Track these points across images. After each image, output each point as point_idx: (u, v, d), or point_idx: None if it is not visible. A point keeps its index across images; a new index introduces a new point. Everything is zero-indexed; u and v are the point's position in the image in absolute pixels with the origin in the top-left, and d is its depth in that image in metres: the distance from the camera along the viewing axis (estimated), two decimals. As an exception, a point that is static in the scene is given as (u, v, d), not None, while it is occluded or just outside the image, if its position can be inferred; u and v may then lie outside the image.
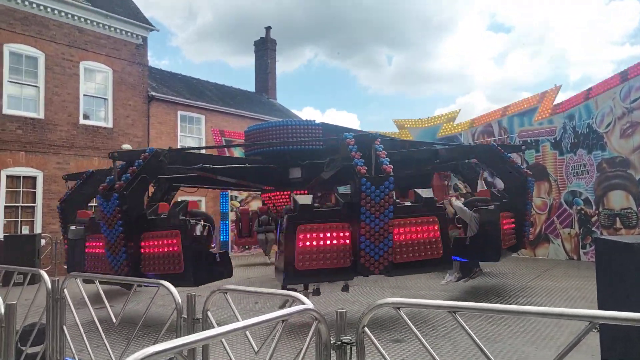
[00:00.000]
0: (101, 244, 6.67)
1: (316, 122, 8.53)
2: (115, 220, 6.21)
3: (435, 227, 6.16)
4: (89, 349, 3.87)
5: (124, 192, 6.29)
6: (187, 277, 6.22)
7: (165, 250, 6.38)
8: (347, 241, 5.83)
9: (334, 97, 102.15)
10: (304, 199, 6.08)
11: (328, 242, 5.79)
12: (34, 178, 13.99)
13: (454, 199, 8.45)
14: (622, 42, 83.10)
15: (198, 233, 7.18)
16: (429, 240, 6.12)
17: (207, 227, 6.81)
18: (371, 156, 5.88)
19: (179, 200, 7.55)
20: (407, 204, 6.37)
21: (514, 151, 9.58)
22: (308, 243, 5.76)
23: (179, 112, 18.36)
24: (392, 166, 5.85)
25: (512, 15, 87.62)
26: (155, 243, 6.48)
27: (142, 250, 6.54)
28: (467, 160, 9.62)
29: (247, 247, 16.86)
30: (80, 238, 7.88)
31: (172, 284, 3.37)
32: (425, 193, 6.34)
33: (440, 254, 6.16)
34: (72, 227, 8.30)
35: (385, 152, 6.07)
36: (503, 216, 7.56)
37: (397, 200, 6.20)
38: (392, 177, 5.72)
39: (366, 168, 5.78)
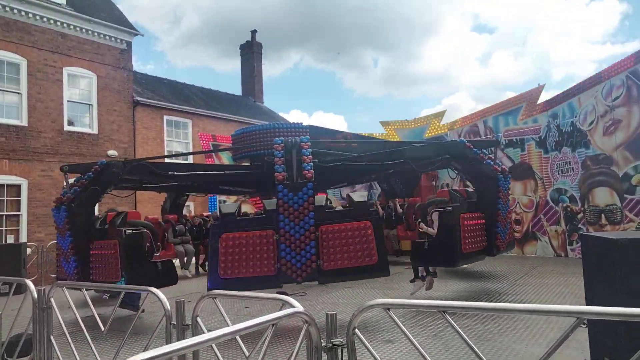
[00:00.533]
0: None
1: (303, 124, 8.52)
2: (65, 230, 6.66)
3: (369, 232, 5.91)
4: (78, 359, 3.81)
5: (72, 204, 6.74)
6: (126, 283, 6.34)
7: (106, 258, 6.74)
8: (271, 249, 5.75)
9: (321, 100, 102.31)
10: (228, 207, 6.14)
11: (251, 249, 5.75)
12: (18, 186, 13.78)
13: (422, 226, 7.70)
14: (603, 42, 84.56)
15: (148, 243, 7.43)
16: (362, 246, 5.88)
17: (147, 237, 7.17)
18: (292, 161, 5.83)
19: (120, 211, 7.90)
20: (339, 208, 6.34)
21: (491, 146, 9.12)
22: (231, 250, 5.75)
23: (165, 117, 18.23)
24: (312, 172, 5.76)
25: (495, 16, 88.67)
26: (99, 252, 6.87)
27: (91, 259, 6.93)
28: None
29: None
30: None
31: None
32: (358, 196, 6.16)
33: (375, 260, 5.92)
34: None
35: (311, 157, 5.99)
36: (465, 217, 7.05)
37: (328, 205, 6.18)
38: (311, 182, 5.64)
39: (284, 174, 5.73)
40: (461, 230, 6.82)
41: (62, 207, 6.67)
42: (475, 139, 14.30)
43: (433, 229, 7.24)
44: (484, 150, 7.99)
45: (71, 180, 7.20)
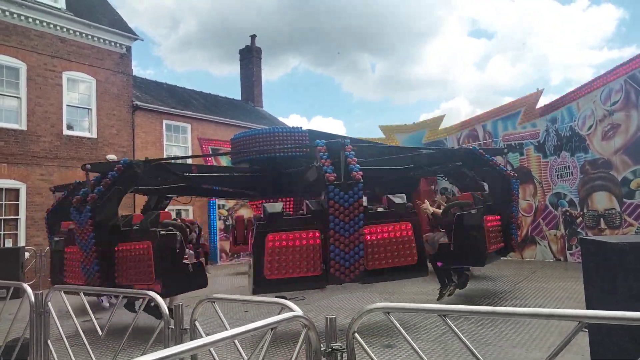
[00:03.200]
0: (77, 255, 6.65)
1: (303, 129, 8.53)
2: (88, 232, 6.24)
3: (409, 233, 6.01)
4: (75, 363, 3.78)
5: (97, 204, 6.33)
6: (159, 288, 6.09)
7: (137, 261, 6.35)
8: (318, 249, 5.73)
9: (319, 104, 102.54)
10: (274, 207, 6.01)
11: (298, 250, 5.70)
12: (17, 190, 13.74)
13: (425, 204, 8.18)
14: (600, 47, 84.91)
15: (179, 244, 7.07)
16: (403, 246, 5.97)
17: (179, 238, 6.75)
18: (340, 162, 5.80)
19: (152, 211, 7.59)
20: (380, 209, 6.28)
21: (497, 154, 9.54)
22: (277, 251, 5.68)
23: (165, 122, 18.23)
24: (361, 173, 5.75)
25: (493, 21, 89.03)
26: (127, 254, 6.46)
27: (116, 262, 6.52)
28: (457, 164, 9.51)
29: (236, 255, 16.73)
30: (60, 249, 7.75)
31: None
32: (398, 199, 6.24)
33: (415, 260, 6.00)
34: (56, 239, 8.20)
35: (356, 159, 5.98)
36: (487, 219, 7.38)
37: (368, 207, 6.16)
38: (361, 183, 5.64)
39: (335, 175, 5.71)
40: (486, 233, 7.17)
41: (87, 207, 6.26)
42: (475, 143, 14.31)
43: (453, 230, 7.41)
44: (492, 157, 8.34)
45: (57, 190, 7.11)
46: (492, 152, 9.17)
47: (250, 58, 26.55)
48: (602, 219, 11.37)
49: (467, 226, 7.24)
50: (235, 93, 47.07)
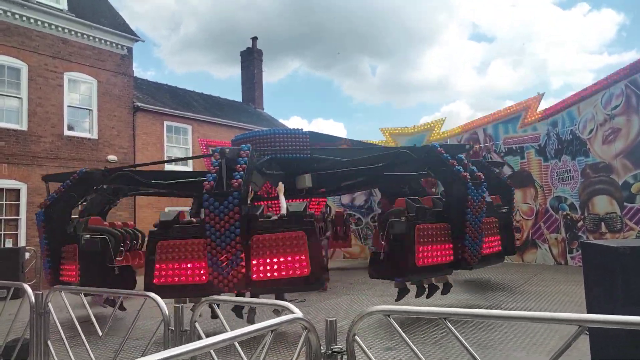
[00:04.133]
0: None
1: (304, 130, 8.54)
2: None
3: (302, 242, 5.69)
4: (74, 364, 3.78)
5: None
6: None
7: (71, 261, 7.28)
8: (203, 257, 5.75)
9: (320, 107, 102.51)
10: (169, 214, 6.11)
11: (185, 259, 5.82)
12: (18, 190, 13.75)
13: None
14: (600, 52, 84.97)
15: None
16: (293, 257, 5.69)
17: (106, 241, 7.10)
18: (221, 170, 5.78)
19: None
20: (274, 218, 6.05)
21: (459, 151, 8.11)
22: (165, 258, 5.82)
23: (166, 123, 18.24)
24: (240, 180, 5.66)
25: (493, 25, 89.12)
26: (65, 255, 7.46)
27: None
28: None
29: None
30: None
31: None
32: (294, 207, 5.94)
33: (307, 272, 5.68)
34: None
35: (244, 166, 5.92)
36: (422, 228, 6.55)
37: (267, 215, 6.14)
38: (236, 192, 5.56)
39: (213, 183, 5.69)
40: (415, 242, 6.39)
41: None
42: (477, 146, 14.31)
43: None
44: (461, 156, 7.44)
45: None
46: (456, 150, 8.25)
47: (251, 60, 26.58)
48: (603, 223, 11.36)
49: (394, 236, 6.62)
50: (235, 95, 47.20)
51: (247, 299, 3.99)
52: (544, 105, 13.56)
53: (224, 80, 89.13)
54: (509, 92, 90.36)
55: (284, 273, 5.69)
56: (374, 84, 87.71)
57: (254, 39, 26.93)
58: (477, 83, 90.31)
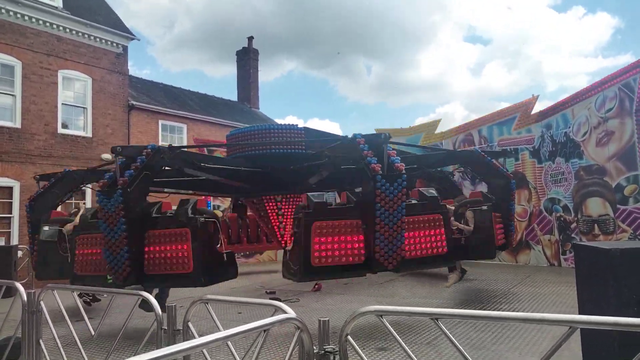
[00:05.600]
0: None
1: (299, 126, 8.54)
2: (117, 217, 5.87)
3: (440, 224, 6.43)
4: (66, 363, 3.76)
5: (128, 189, 5.96)
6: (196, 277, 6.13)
7: (172, 250, 6.17)
8: (361, 237, 5.93)
9: (315, 107, 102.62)
10: (318, 196, 6.13)
11: (342, 239, 5.91)
12: (10, 188, 13.67)
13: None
14: (595, 55, 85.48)
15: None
16: (436, 237, 6.38)
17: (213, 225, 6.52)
18: (383, 155, 5.95)
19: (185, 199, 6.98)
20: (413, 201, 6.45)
21: (495, 157, 9.76)
22: (323, 239, 5.87)
23: (160, 121, 18.19)
24: (404, 164, 5.97)
25: (489, 27, 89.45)
26: (161, 243, 6.23)
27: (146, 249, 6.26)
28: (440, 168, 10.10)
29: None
30: (52, 240, 8.02)
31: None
32: (429, 192, 6.63)
33: (445, 251, 6.45)
34: (46, 228, 8.09)
35: (396, 152, 6.33)
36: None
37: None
38: (404, 174, 5.83)
39: (380, 166, 5.84)
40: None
41: (118, 191, 5.81)
42: (470, 148, 14.35)
43: (469, 226, 8.06)
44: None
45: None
46: (491, 155, 9.46)
47: (247, 59, 26.56)
48: (596, 225, 11.43)
49: (478, 222, 7.90)
50: (229, 94, 47.02)
51: (239, 298, 3.98)
52: (538, 107, 13.63)
53: (218, 79, 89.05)
54: (503, 94, 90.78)
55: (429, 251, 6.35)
56: (369, 84, 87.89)
57: (250, 38, 26.90)
58: (472, 84, 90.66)
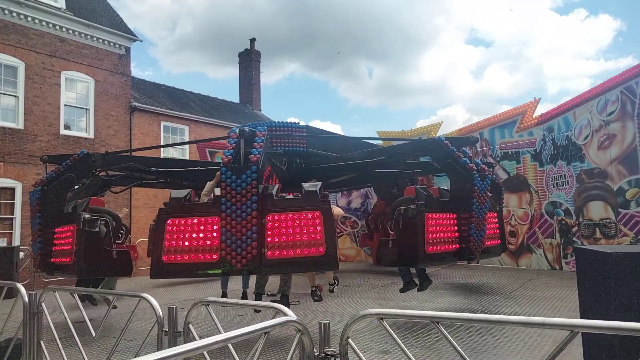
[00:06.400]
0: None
1: (300, 124, 8.57)
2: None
3: (317, 222, 5.46)
4: (67, 365, 3.77)
5: (45, 187, 6.86)
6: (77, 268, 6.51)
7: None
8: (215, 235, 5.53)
9: (317, 109, 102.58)
10: (181, 192, 5.91)
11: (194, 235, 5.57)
12: (13, 189, 13.70)
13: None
14: (597, 58, 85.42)
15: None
16: (309, 236, 5.46)
17: (107, 223, 6.80)
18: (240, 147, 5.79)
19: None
20: (290, 196, 5.84)
21: (467, 143, 8.20)
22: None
23: (162, 123, 18.22)
24: (258, 156, 5.60)
25: (490, 30, 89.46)
26: (59, 238, 7.09)
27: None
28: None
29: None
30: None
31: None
32: (310, 186, 5.76)
33: (322, 252, 5.43)
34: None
35: (261, 144, 5.88)
36: (431, 217, 6.40)
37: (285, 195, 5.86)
38: (254, 166, 5.44)
39: (231, 158, 5.65)
40: (425, 230, 6.23)
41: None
42: (481, 150, 14.33)
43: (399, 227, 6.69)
44: (465, 149, 7.53)
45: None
46: (464, 142, 8.20)
47: (249, 61, 26.62)
48: (597, 229, 11.41)
49: (403, 223, 6.52)
50: (231, 96, 47.18)
51: (240, 300, 3.99)
52: (540, 110, 13.63)
53: (220, 81, 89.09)
54: (505, 96, 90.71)
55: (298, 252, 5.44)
56: (371, 87, 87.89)
57: (252, 40, 26.96)
58: (474, 87, 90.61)
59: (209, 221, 5.49)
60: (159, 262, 5.51)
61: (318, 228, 5.40)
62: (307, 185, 5.74)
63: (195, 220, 5.54)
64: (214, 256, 5.40)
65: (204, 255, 5.46)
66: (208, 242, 5.46)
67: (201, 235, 5.52)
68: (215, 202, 5.59)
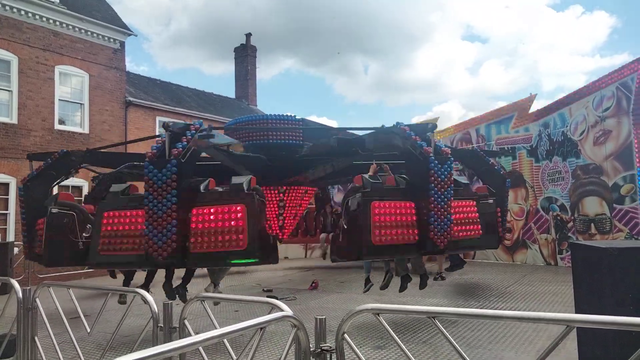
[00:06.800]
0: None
1: (296, 117, 8.57)
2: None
3: (240, 216, 5.40)
4: (62, 360, 3.75)
5: (27, 184, 7.25)
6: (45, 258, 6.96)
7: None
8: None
9: (313, 104, 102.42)
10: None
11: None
12: (7, 184, 13.61)
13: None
14: (592, 54, 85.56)
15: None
16: (232, 229, 5.40)
17: (72, 216, 7.08)
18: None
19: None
20: (219, 189, 5.88)
21: (427, 130, 7.42)
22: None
23: (158, 118, 18.12)
24: (180, 149, 5.57)
25: (486, 26, 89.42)
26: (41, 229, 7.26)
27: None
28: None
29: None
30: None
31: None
32: (237, 179, 5.77)
33: (244, 245, 5.37)
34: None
35: (189, 138, 5.80)
36: (379, 206, 5.94)
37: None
38: (174, 160, 5.47)
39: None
40: (371, 220, 5.81)
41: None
42: (468, 146, 14.36)
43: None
44: (428, 135, 6.86)
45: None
46: (422, 129, 7.27)
47: (245, 56, 26.52)
48: (592, 224, 11.46)
49: (347, 214, 6.24)
50: (226, 91, 46.99)
51: (235, 296, 3.98)
52: (536, 106, 13.65)
53: (215, 76, 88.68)
54: (501, 92, 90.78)
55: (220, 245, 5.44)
56: (367, 83, 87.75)
57: (248, 35, 26.85)
58: (470, 83, 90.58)
59: (139, 214, 5.66)
60: (94, 252, 5.91)
61: (240, 222, 5.38)
62: (234, 179, 5.82)
63: (128, 213, 5.81)
64: (141, 249, 5.55)
65: (134, 248, 5.65)
66: (137, 235, 5.63)
67: (130, 227, 5.75)
68: (143, 196, 5.71)
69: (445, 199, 6.00)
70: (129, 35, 17.14)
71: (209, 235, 5.38)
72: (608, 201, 11.09)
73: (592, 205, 11.48)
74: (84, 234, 7.05)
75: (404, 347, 2.36)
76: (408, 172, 6.64)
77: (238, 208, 5.39)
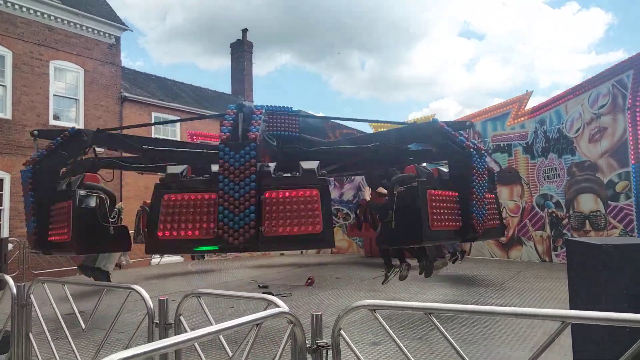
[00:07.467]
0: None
1: (293, 108, 8.54)
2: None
3: (315, 200, 5.43)
4: (57, 357, 3.74)
5: (37, 166, 6.80)
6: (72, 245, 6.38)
7: None
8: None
9: (309, 100, 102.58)
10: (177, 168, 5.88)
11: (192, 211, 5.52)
12: (1, 180, 13.54)
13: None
14: (588, 51, 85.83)
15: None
16: (307, 213, 5.41)
17: (102, 199, 6.59)
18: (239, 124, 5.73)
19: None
20: (287, 175, 5.77)
21: (464, 127, 8.00)
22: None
23: (153, 114, 18.06)
24: (257, 133, 5.60)
25: (483, 23, 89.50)
26: (53, 215, 6.83)
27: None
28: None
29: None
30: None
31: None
32: (308, 164, 5.77)
33: (320, 229, 5.38)
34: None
35: (259, 122, 5.88)
36: (434, 194, 6.21)
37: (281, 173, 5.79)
38: (253, 143, 5.41)
39: (229, 135, 5.59)
40: (428, 207, 6.06)
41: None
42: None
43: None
44: (461, 132, 7.35)
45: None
46: (460, 126, 8.02)
47: (241, 52, 26.43)
48: (587, 221, 11.51)
49: (403, 201, 6.33)
50: (222, 87, 46.90)
51: (231, 292, 3.97)
52: (532, 103, 13.68)
53: (211, 72, 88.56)
54: (497, 89, 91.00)
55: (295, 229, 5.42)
56: (363, 79, 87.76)
57: (244, 30, 26.76)
58: (466, 80, 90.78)
59: (206, 197, 5.45)
60: (154, 238, 5.46)
61: (316, 205, 5.39)
62: (305, 164, 5.73)
63: (192, 197, 5.48)
64: (211, 233, 5.35)
65: (200, 231, 5.41)
66: (205, 218, 5.41)
67: (198, 210, 5.46)
68: (212, 179, 5.52)
69: (483, 190, 6.57)
70: (125, 30, 17.05)
71: (284, 219, 5.31)
72: (603, 198, 11.14)
73: (587, 202, 11.52)
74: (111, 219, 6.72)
75: (400, 343, 2.36)
76: (450, 165, 7.03)
77: (314, 192, 5.38)
